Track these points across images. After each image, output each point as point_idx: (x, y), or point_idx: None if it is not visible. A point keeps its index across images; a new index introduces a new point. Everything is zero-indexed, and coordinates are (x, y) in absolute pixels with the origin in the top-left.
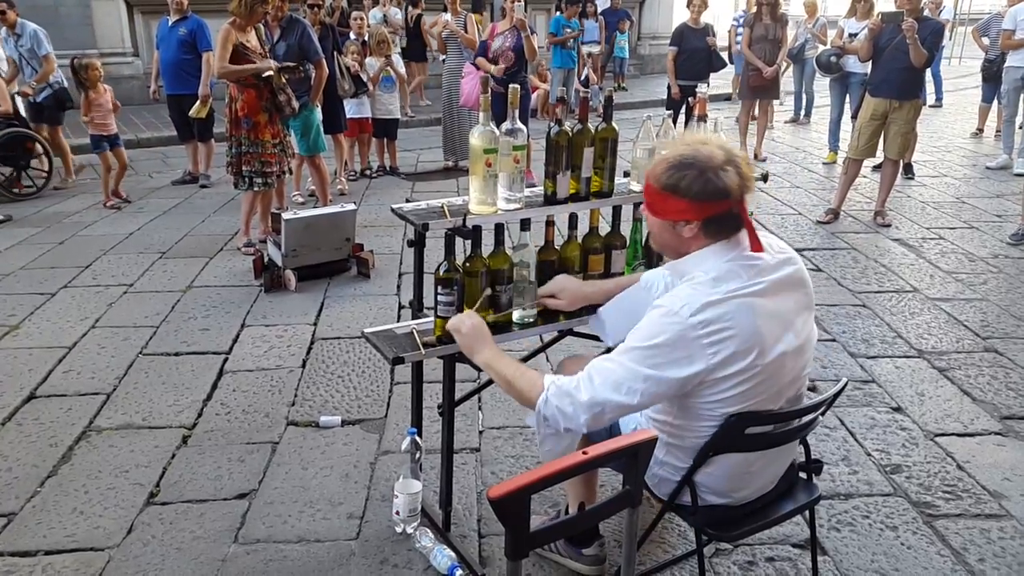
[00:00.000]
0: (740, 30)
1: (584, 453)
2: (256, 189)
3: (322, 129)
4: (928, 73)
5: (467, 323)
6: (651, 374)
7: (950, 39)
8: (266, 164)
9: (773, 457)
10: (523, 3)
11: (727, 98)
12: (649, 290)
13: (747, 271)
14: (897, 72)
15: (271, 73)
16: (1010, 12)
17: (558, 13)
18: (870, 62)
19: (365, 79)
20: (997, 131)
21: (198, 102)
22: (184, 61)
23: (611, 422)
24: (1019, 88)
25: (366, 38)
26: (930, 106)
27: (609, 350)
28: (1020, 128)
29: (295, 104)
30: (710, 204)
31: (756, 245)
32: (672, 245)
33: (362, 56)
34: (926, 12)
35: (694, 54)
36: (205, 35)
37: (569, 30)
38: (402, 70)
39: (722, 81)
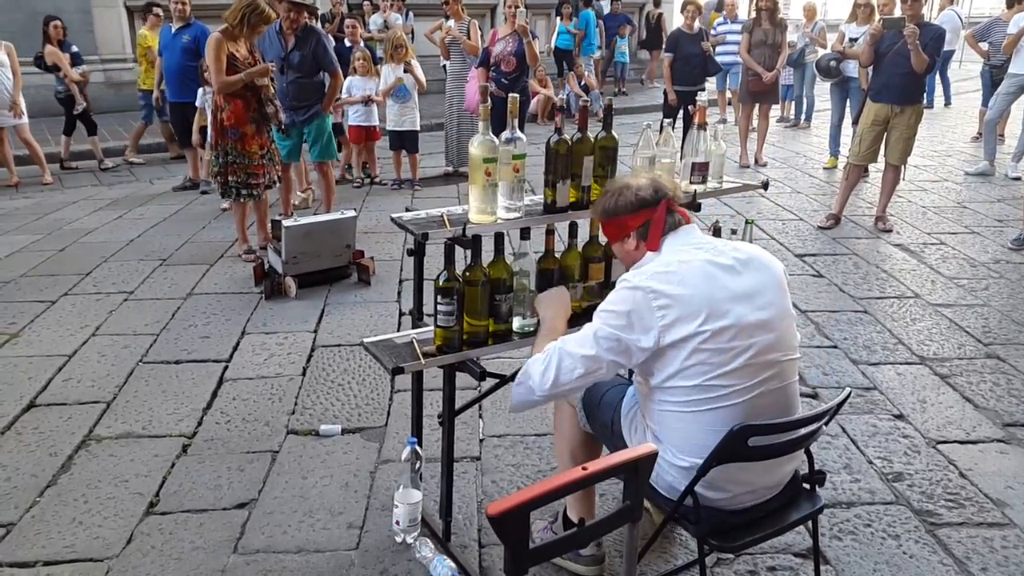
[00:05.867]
0: (715, 35)
1: (584, 469)
2: (241, 200)
3: (333, 136)
4: (937, 75)
5: (554, 293)
6: (611, 333)
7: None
8: (252, 176)
9: (774, 460)
10: (524, 9)
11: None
12: None
13: (697, 249)
14: (899, 77)
15: (267, 81)
16: (1014, 19)
17: (560, 20)
18: (864, 68)
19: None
20: (1000, 135)
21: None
22: (188, 68)
23: (580, 379)
24: (1013, 95)
25: (361, 44)
26: (943, 106)
27: None
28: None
29: (283, 116)
30: (634, 215)
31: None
32: (628, 259)
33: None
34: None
35: (690, 60)
36: None
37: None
38: (422, 77)
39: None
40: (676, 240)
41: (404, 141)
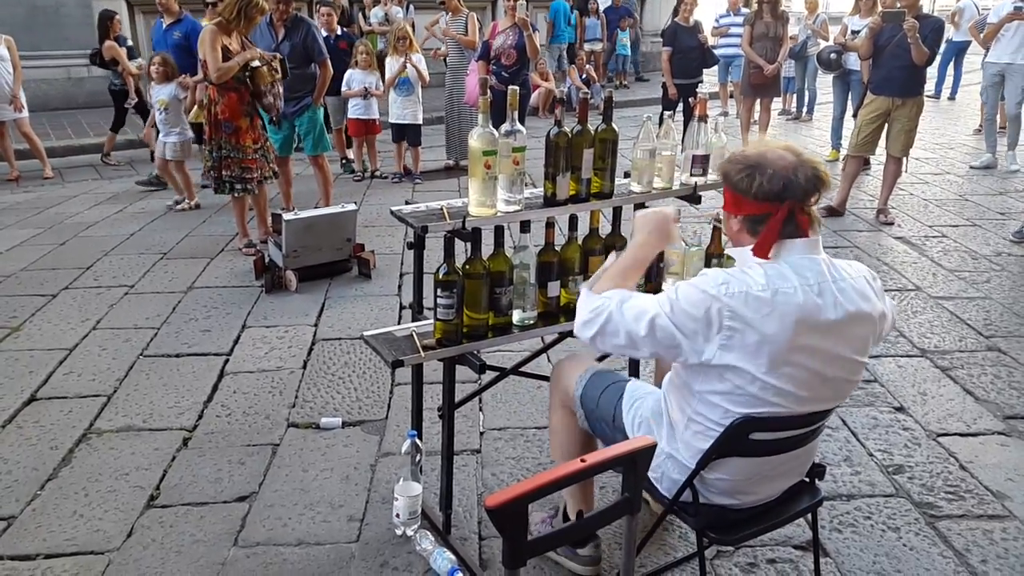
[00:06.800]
0: (718, 27)
1: (582, 460)
2: (236, 195)
3: (326, 129)
4: (950, 67)
5: (661, 214)
6: (671, 328)
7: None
8: (246, 170)
9: (786, 467)
10: (525, 2)
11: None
12: None
13: (802, 277)
14: (899, 70)
15: (258, 64)
16: (995, 8)
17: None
18: (864, 61)
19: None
20: (1002, 127)
21: (195, 106)
22: (180, 65)
23: (618, 349)
24: (997, 85)
25: (339, 32)
26: (947, 99)
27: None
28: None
29: (281, 105)
30: (754, 203)
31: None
32: (730, 234)
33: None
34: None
35: (688, 52)
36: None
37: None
38: (424, 71)
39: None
40: (786, 255)
41: (406, 134)
